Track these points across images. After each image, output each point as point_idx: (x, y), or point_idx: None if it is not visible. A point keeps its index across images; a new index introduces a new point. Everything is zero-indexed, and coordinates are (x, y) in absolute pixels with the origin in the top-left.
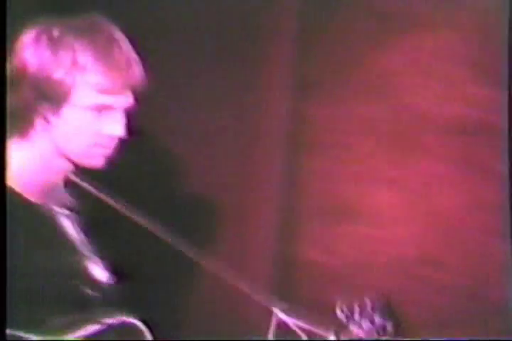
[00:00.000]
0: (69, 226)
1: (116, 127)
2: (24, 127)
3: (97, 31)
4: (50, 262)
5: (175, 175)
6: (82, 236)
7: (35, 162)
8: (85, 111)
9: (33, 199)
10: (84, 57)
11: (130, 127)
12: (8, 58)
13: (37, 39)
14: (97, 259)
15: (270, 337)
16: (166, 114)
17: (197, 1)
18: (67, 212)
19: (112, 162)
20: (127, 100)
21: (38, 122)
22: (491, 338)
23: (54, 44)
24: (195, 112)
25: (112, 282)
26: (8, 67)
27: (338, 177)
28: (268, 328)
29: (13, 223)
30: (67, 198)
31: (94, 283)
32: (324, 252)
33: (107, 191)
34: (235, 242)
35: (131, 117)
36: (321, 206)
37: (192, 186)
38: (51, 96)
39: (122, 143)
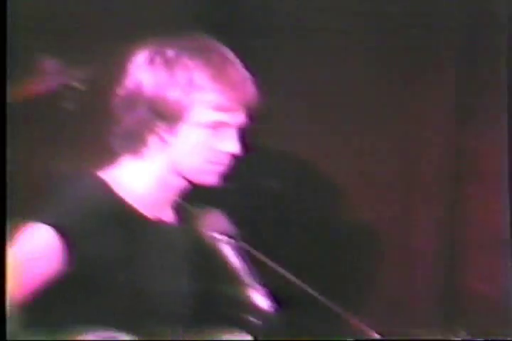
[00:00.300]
0: (230, 254)
1: (231, 144)
2: (138, 146)
3: (211, 51)
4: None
5: (334, 204)
6: (243, 263)
7: (149, 179)
8: (201, 128)
9: (150, 215)
10: (200, 76)
11: (245, 144)
12: (115, 78)
13: (151, 60)
14: (258, 287)
15: None
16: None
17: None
18: (227, 239)
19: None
20: (241, 117)
21: (153, 141)
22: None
23: (170, 64)
24: (347, 136)
25: (273, 310)
26: (120, 87)
27: (500, 207)
28: None
29: (132, 239)
30: (226, 225)
31: (256, 311)
32: (490, 283)
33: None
34: (398, 273)
35: (246, 134)
36: (485, 236)
37: (350, 213)
38: (168, 115)
39: (236, 159)
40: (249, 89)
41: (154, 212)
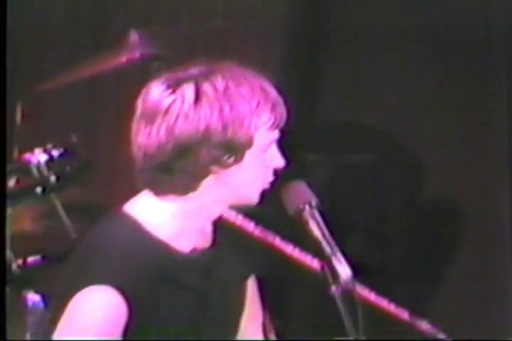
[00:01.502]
0: (312, 224)
1: (279, 159)
2: (191, 187)
3: (244, 75)
4: None
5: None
6: (326, 232)
7: (190, 215)
8: (263, 151)
9: (181, 249)
10: (255, 99)
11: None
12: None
13: (206, 97)
14: (339, 255)
15: None
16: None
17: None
18: (309, 208)
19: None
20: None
21: (207, 181)
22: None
23: (226, 98)
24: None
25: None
26: (180, 133)
27: None
28: None
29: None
30: (310, 195)
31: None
32: None
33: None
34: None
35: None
36: None
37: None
38: (236, 148)
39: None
40: (283, 107)
41: (187, 246)
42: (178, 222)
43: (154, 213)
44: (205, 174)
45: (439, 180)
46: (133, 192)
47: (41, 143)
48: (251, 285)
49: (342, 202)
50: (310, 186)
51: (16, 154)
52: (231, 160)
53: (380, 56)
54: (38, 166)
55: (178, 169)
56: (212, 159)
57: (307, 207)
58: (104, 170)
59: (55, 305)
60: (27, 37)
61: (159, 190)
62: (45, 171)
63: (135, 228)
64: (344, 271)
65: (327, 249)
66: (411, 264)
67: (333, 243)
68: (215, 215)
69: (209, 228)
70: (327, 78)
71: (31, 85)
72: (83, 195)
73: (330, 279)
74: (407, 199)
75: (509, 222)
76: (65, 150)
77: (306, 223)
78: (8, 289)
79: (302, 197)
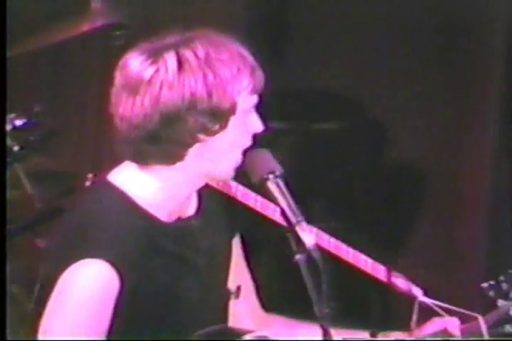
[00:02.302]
0: (277, 192)
1: (259, 124)
2: (178, 156)
3: (222, 42)
4: None
5: None
6: (290, 201)
7: (176, 185)
8: (246, 115)
9: (166, 220)
10: (235, 64)
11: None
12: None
13: (181, 64)
14: (304, 224)
15: None
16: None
17: None
18: (273, 177)
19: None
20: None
21: (193, 150)
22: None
23: (208, 64)
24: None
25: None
26: (168, 100)
27: None
28: None
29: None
30: (274, 164)
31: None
32: None
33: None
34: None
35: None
36: None
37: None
38: (219, 114)
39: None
40: (261, 72)
41: (172, 215)
42: (163, 193)
43: (139, 184)
44: (192, 142)
45: (404, 146)
46: (99, 161)
47: (3, 113)
48: (235, 245)
49: (307, 170)
50: (274, 155)
51: None
52: (217, 127)
53: (352, 20)
54: None
55: (165, 138)
56: (199, 127)
57: (271, 176)
58: (70, 139)
59: (42, 283)
60: None
61: (145, 161)
62: (8, 141)
63: (122, 199)
64: (308, 239)
65: (291, 218)
66: (378, 231)
67: (297, 212)
68: (200, 184)
69: (194, 196)
70: (294, 44)
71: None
72: (48, 164)
73: (294, 247)
74: (372, 167)
75: (472, 182)
76: (28, 119)
77: (271, 192)
78: None
79: (266, 166)
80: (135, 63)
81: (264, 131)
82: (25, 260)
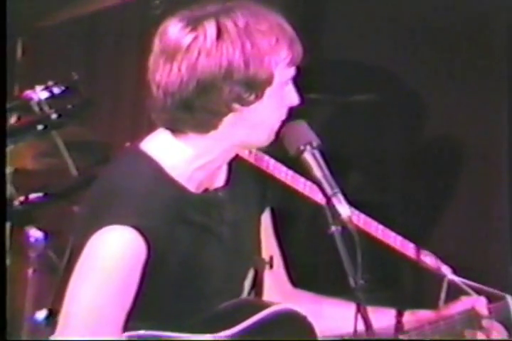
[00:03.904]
0: (313, 164)
1: (296, 97)
2: (212, 125)
3: (260, 12)
4: None
5: None
6: (326, 172)
7: (210, 154)
8: (282, 87)
9: (195, 190)
10: (274, 35)
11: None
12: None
13: (228, 34)
14: (340, 195)
15: None
16: None
17: None
18: (310, 148)
19: None
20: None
21: (227, 119)
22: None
23: (247, 34)
24: None
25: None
26: (204, 69)
27: None
28: None
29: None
30: (311, 135)
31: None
32: None
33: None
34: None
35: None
36: None
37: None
38: (255, 85)
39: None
40: (299, 44)
41: (200, 186)
42: (195, 161)
43: (171, 152)
44: (226, 112)
45: (440, 119)
46: (136, 130)
47: (42, 81)
48: (265, 218)
49: (343, 142)
50: (311, 126)
51: (16, 91)
52: (252, 97)
53: None
54: (39, 103)
55: (200, 107)
56: (234, 96)
57: (308, 147)
58: (107, 108)
59: (72, 248)
60: None
61: (180, 129)
62: (46, 108)
63: (153, 167)
64: (344, 210)
65: (328, 189)
66: (412, 203)
67: (333, 183)
68: (232, 154)
69: (224, 168)
70: (330, 17)
71: (31, 21)
72: (84, 132)
73: (330, 219)
74: (407, 139)
75: (509, 158)
76: (67, 87)
77: (307, 163)
78: (9, 225)
79: (303, 138)
80: (174, 30)
81: (301, 104)
82: (65, 228)
